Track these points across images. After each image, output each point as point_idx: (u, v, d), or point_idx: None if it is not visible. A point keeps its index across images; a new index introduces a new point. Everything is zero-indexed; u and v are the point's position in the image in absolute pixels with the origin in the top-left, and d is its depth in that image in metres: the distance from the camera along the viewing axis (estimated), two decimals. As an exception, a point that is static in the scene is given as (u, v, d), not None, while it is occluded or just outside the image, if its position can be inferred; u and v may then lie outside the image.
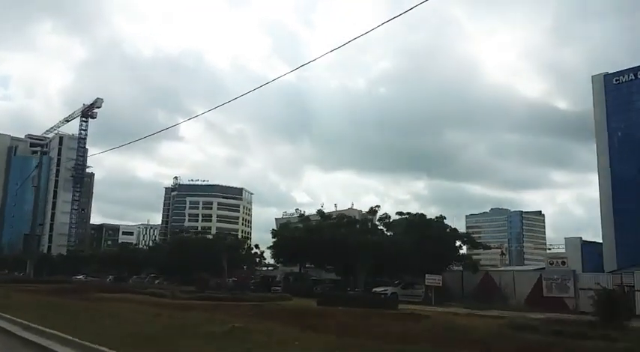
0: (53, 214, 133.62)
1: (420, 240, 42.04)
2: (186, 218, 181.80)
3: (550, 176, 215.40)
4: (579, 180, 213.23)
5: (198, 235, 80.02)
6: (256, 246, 73.25)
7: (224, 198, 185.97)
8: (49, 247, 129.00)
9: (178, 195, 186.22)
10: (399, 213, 48.77)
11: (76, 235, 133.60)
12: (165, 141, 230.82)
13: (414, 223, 45.53)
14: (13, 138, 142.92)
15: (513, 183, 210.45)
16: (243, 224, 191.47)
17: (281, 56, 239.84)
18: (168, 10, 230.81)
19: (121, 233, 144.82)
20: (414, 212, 49.08)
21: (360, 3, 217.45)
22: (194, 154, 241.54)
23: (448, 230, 46.42)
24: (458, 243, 47.09)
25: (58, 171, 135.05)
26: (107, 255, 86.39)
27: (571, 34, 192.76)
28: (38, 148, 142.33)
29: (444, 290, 37.77)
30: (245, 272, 64.21)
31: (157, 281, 61.91)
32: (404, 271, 44.41)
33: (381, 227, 49.24)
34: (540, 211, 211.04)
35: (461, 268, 44.99)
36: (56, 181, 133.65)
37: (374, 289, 40.80)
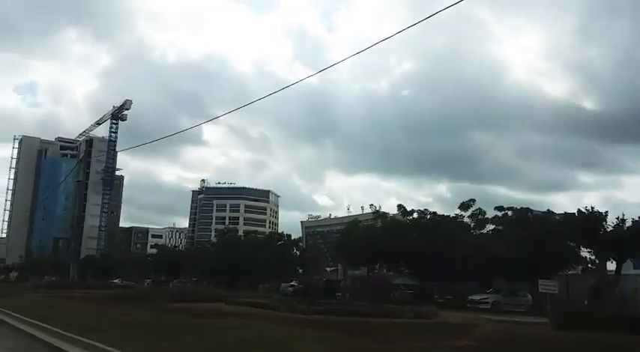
0: (83, 217, 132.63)
1: (524, 239, 35.74)
2: (214, 221, 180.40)
3: (576, 177, 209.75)
4: (607, 182, 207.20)
5: (249, 235, 75.78)
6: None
7: (251, 200, 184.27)
8: (79, 250, 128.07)
9: (205, 198, 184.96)
10: (498, 208, 42.39)
11: (106, 238, 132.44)
12: (189, 146, 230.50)
13: (517, 220, 39.30)
14: (42, 141, 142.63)
15: (538, 184, 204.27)
16: (270, 227, 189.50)
17: (304, 61, 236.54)
18: (192, 16, 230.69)
19: (150, 236, 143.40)
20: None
21: (382, 7, 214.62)
22: (217, 158, 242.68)
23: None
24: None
25: (87, 173, 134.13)
26: (143, 257, 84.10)
27: (597, 33, 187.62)
28: (68, 151, 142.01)
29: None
30: (306, 276, 59.27)
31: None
32: (501, 276, 39.02)
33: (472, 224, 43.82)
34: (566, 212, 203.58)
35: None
36: (86, 184, 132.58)
37: (470, 297, 36.15)
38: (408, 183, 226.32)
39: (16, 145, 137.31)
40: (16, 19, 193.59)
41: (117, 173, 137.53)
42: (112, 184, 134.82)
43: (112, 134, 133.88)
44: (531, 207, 41.94)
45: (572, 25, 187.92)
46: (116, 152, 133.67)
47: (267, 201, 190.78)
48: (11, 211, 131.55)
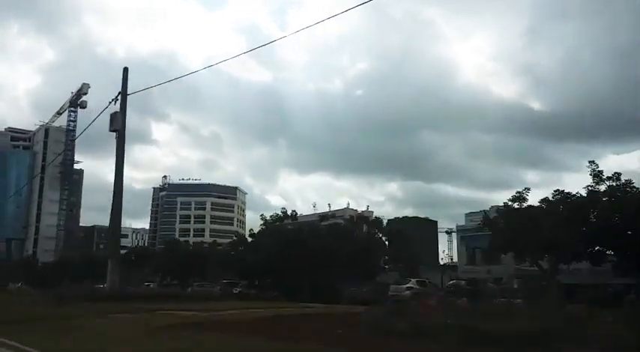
0: (39, 215, 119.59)
1: None
2: (177, 219, 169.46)
3: (521, 176, 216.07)
4: (550, 180, 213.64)
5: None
6: None
7: (218, 198, 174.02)
8: (34, 252, 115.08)
9: (168, 196, 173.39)
10: None
11: (65, 238, 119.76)
12: (137, 145, 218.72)
13: None
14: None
15: (485, 183, 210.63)
16: (238, 225, 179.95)
17: (256, 58, 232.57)
18: (140, 11, 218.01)
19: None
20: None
21: (333, 4, 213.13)
22: (167, 158, 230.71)
23: None
24: None
25: (43, 167, 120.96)
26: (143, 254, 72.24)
27: (546, 36, 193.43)
28: (20, 142, 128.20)
29: None
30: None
31: (236, 290, 44.53)
32: None
33: None
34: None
35: None
36: (42, 178, 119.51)
37: None
38: (361, 182, 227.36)
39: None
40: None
41: (76, 166, 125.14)
42: (72, 179, 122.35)
43: (71, 123, 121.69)
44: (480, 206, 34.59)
45: (522, 28, 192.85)
46: (74, 143, 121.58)
47: (235, 198, 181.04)
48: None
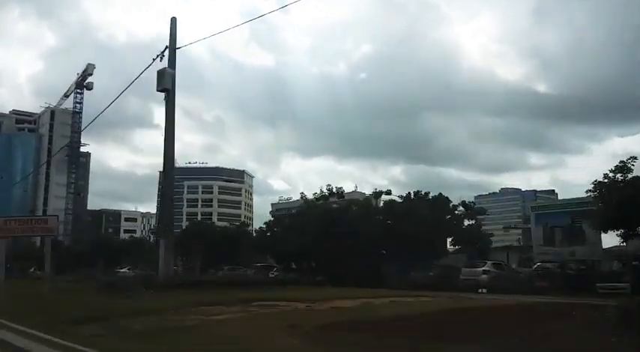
0: (46, 199, 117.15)
1: None
2: (185, 203, 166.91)
3: (526, 158, 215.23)
4: (554, 162, 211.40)
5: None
6: None
7: (225, 181, 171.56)
8: (42, 238, 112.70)
9: (175, 179, 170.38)
10: None
11: (73, 223, 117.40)
12: (139, 130, 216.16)
13: None
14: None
15: (489, 166, 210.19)
16: (245, 209, 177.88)
17: (259, 42, 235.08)
18: None
19: (123, 219, 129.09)
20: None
21: None
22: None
23: None
24: None
25: (50, 150, 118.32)
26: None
27: (552, 17, 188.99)
28: (26, 125, 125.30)
29: None
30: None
31: (272, 274, 40.13)
32: None
33: None
34: (554, 190, 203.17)
35: None
36: (48, 162, 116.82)
37: None
38: (364, 166, 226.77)
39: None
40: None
41: (83, 149, 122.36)
42: (79, 162, 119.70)
43: (77, 105, 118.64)
44: (483, 189, 31.75)
45: (528, 8, 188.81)
46: (81, 125, 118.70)
47: (242, 182, 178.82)
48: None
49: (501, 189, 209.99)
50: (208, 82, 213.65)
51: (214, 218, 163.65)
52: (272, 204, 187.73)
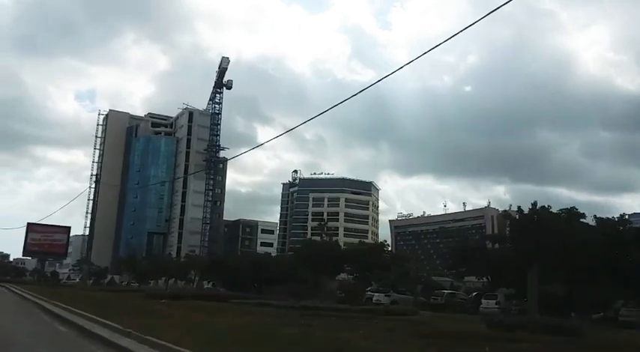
0: (183, 207, 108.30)
1: None
2: (310, 217, 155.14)
3: None
4: None
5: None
6: None
7: (353, 193, 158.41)
8: (179, 248, 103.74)
9: (299, 191, 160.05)
10: None
11: (210, 234, 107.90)
12: (243, 148, 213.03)
13: None
14: (132, 117, 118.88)
15: (603, 185, 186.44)
16: (372, 224, 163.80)
17: (361, 59, 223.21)
18: (246, 16, 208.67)
19: (259, 231, 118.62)
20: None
21: (437, 2, 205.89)
22: (270, 161, 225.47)
23: None
24: None
25: (188, 154, 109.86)
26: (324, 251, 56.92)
27: None
28: (162, 128, 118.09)
29: None
30: None
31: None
32: None
33: None
34: None
35: None
36: (186, 167, 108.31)
37: None
38: (465, 185, 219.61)
39: (101, 121, 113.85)
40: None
41: (222, 154, 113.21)
42: (217, 168, 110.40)
43: (216, 105, 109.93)
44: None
45: None
46: (220, 127, 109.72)
47: (370, 195, 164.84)
48: (95, 201, 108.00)
49: None
50: (309, 100, 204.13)
51: (340, 233, 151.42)
52: (390, 221, 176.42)
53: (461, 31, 12.01)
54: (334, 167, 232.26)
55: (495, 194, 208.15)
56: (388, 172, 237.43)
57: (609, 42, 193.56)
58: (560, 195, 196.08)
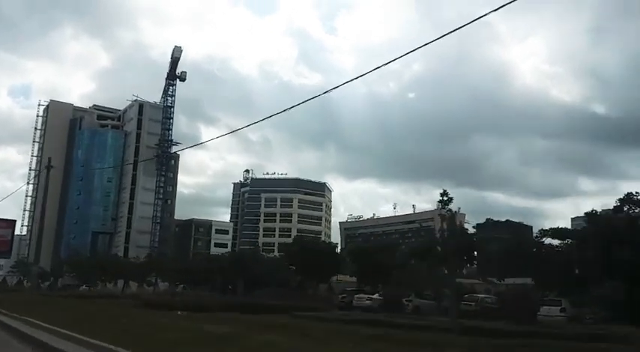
0: (131, 205, 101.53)
1: None
2: (262, 218, 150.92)
3: (576, 183, 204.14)
4: (607, 188, 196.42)
5: None
6: None
7: (306, 194, 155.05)
8: (126, 249, 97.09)
9: (251, 192, 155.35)
10: None
11: (160, 234, 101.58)
12: (186, 150, 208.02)
13: None
14: (76, 109, 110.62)
15: (538, 191, 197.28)
16: (325, 225, 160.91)
17: (307, 63, 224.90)
18: (192, 15, 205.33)
19: (214, 231, 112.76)
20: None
21: (383, 8, 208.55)
22: (214, 162, 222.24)
23: None
24: None
25: (137, 149, 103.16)
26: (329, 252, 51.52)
27: (610, 36, 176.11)
28: (109, 121, 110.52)
29: None
30: None
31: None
32: None
33: None
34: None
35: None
36: (135, 162, 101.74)
37: None
38: (407, 189, 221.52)
39: (41, 112, 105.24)
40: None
41: (174, 149, 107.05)
42: (169, 164, 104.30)
43: (169, 98, 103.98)
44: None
45: (585, 27, 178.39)
46: (172, 121, 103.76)
47: (323, 196, 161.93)
48: (34, 198, 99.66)
49: (615, 206, 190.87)
50: (256, 102, 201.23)
51: (293, 234, 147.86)
52: (340, 223, 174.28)
53: (418, 47, 11.73)
54: (280, 169, 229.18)
55: (436, 197, 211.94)
56: (334, 175, 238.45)
57: (546, 54, 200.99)
58: (498, 200, 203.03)
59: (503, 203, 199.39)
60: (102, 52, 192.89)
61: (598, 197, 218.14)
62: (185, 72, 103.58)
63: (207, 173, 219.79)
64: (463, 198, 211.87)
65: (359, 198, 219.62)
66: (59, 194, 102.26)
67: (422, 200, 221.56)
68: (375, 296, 33.77)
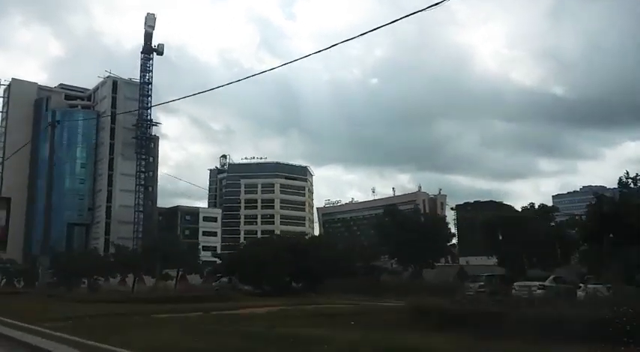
0: (110, 193, 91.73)
1: None
2: (242, 204, 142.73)
3: (536, 164, 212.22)
4: (565, 168, 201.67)
5: None
6: None
7: (287, 178, 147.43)
8: (107, 240, 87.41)
9: (230, 178, 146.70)
10: None
11: (143, 223, 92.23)
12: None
13: None
14: (41, 88, 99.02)
15: (499, 173, 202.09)
16: (309, 210, 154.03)
17: (268, 49, 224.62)
18: (150, 2, 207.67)
19: (201, 219, 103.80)
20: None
21: None
22: (175, 152, 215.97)
23: None
24: None
25: (113, 130, 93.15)
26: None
27: (568, 19, 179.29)
28: (78, 101, 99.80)
29: None
30: None
31: None
32: None
33: None
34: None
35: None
36: (111, 145, 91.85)
37: None
38: (372, 174, 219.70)
39: (2, 93, 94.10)
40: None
41: (154, 130, 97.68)
42: (148, 146, 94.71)
43: (146, 74, 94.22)
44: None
45: (544, 10, 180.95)
46: (151, 99, 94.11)
47: (305, 180, 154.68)
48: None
49: (582, 187, 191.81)
50: (217, 90, 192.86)
51: (276, 221, 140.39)
52: (317, 209, 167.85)
53: (377, 27, 13.08)
54: (244, 157, 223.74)
55: (400, 182, 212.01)
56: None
57: (505, 38, 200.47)
58: (461, 183, 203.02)
59: (466, 185, 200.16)
60: (53, 39, 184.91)
61: (557, 176, 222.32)
62: (163, 44, 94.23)
63: (169, 164, 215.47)
64: (426, 182, 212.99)
65: (326, 186, 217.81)
66: (27, 184, 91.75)
67: (386, 184, 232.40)
68: (548, 282, 25.91)
